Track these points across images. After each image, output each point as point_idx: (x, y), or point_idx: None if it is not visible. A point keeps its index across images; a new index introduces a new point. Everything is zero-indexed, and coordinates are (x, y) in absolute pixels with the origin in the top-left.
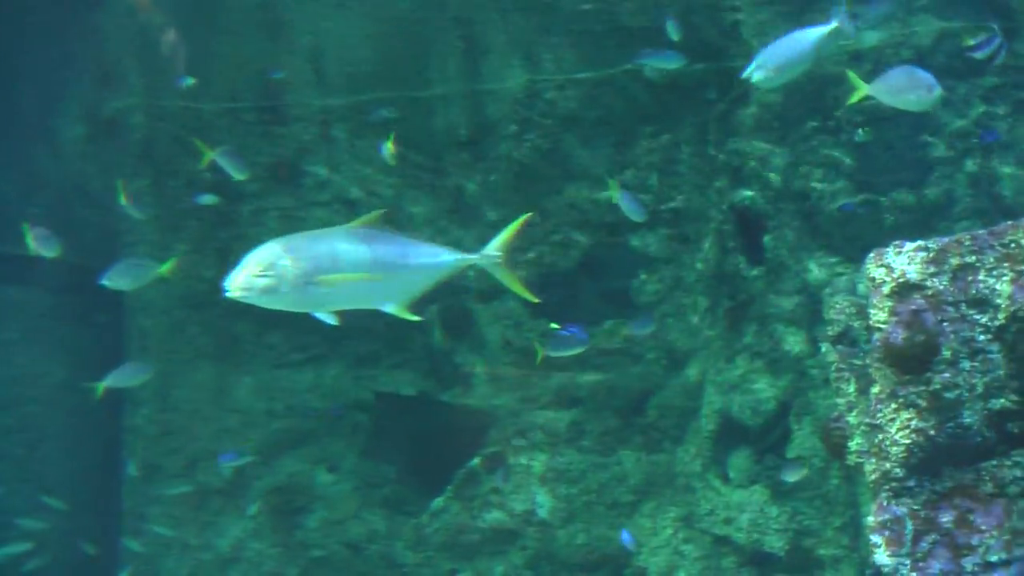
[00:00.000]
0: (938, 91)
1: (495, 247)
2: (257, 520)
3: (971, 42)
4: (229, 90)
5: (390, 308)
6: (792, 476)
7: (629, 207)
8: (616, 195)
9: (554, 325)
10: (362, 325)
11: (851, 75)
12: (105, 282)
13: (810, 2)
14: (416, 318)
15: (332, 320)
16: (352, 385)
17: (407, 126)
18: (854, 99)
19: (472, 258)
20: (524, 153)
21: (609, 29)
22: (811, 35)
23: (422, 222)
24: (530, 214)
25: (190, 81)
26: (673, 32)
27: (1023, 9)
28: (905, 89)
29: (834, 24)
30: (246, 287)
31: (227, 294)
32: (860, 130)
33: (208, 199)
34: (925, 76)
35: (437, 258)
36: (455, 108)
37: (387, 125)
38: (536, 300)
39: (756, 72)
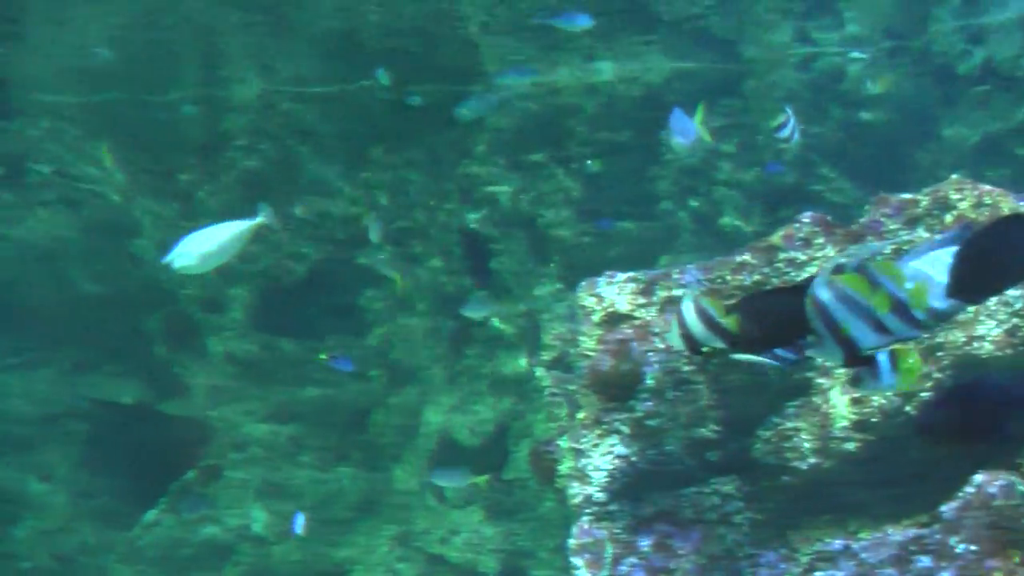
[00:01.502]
0: (686, 141)
1: None
2: None
3: (774, 124)
4: None
5: None
6: (452, 482)
7: (374, 228)
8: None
9: (322, 356)
10: (81, 331)
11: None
12: None
13: (547, 31)
14: None
15: None
16: (68, 392)
17: (141, 129)
18: None
19: None
20: (256, 163)
21: (350, 45)
22: (236, 228)
23: (150, 226)
24: None
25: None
26: (383, 78)
27: (753, 55)
28: (676, 133)
29: (260, 219)
30: None
31: None
32: (589, 161)
33: None
34: (685, 123)
35: None
36: (190, 114)
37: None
38: None
39: (178, 259)
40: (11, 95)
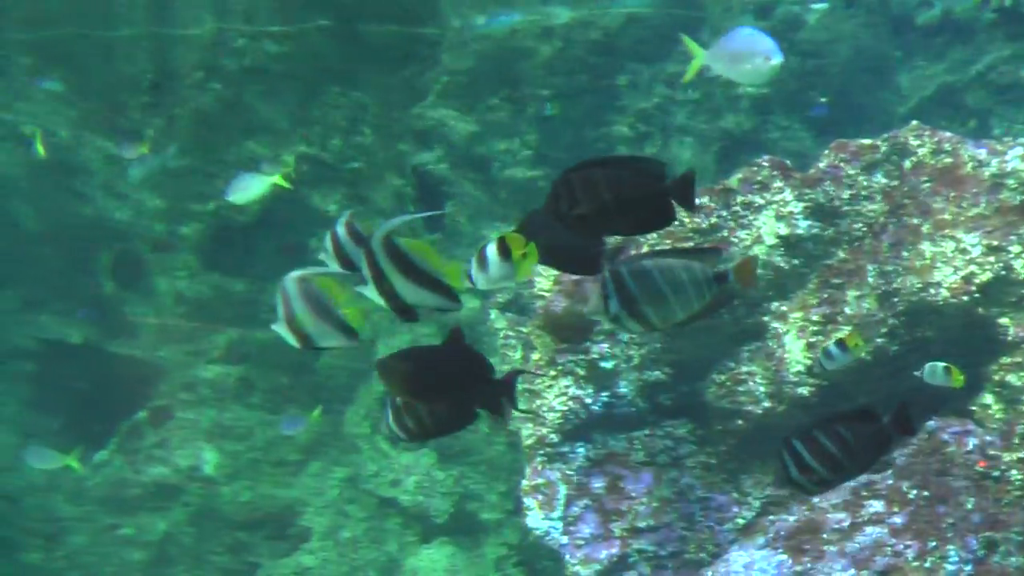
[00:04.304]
0: (777, 60)
1: None
2: None
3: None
4: None
5: None
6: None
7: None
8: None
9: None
10: (28, 268)
11: (687, 41)
12: None
13: None
14: None
15: None
16: (15, 331)
17: (88, 66)
18: (692, 70)
19: None
20: (207, 102)
21: None
22: None
23: (100, 166)
24: None
25: None
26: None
27: (710, 1)
28: (740, 58)
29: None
30: None
31: None
32: (548, 104)
33: None
34: (764, 42)
35: None
36: (140, 51)
37: None
38: None
39: None
40: None
